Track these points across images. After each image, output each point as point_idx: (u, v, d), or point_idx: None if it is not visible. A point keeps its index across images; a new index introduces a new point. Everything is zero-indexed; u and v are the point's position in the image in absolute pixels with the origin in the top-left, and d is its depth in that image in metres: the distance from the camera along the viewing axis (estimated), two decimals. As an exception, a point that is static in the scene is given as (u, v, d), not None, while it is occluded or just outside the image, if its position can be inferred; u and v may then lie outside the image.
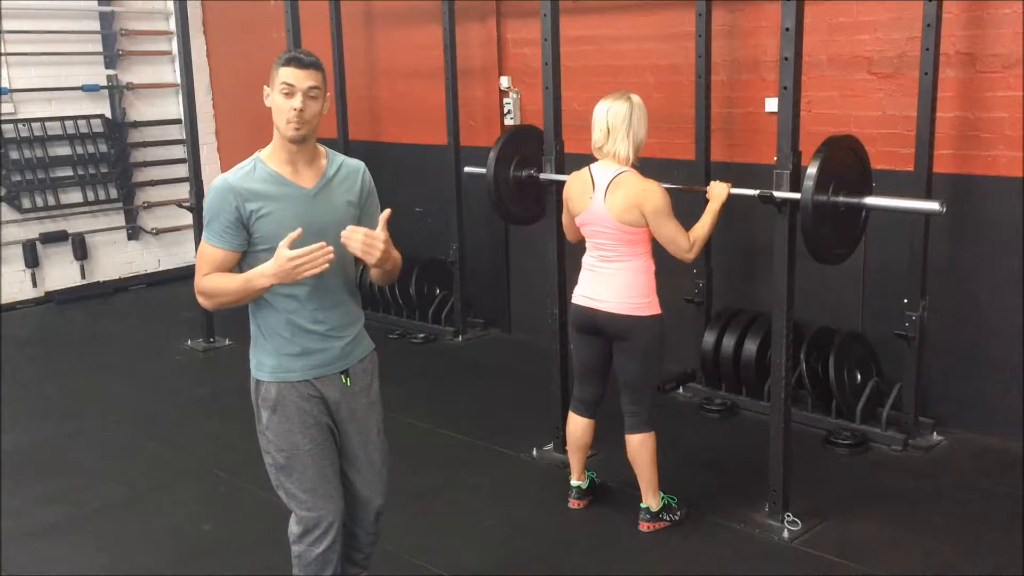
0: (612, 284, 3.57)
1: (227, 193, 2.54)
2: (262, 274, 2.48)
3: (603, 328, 3.62)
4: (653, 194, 3.46)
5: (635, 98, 3.53)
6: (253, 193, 2.54)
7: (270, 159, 2.61)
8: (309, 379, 2.66)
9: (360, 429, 2.79)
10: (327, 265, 2.43)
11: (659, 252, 3.59)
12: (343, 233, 2.49)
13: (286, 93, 2.51)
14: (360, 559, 3.00)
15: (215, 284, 2.58)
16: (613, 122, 3.50)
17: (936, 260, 4.39)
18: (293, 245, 2.44)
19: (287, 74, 2.51)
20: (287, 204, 2.56)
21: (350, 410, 2.75)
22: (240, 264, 2.62)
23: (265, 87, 2.58)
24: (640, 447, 3.66)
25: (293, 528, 2.80)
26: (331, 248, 2.43)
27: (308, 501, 2.72)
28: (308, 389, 2.67)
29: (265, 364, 2.67)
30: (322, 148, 2.69)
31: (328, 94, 2.63)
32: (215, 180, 2.60)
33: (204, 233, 2.60)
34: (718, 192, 3.65)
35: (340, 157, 2.73)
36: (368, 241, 2.48)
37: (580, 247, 3.75)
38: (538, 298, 4.64)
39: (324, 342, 2.67)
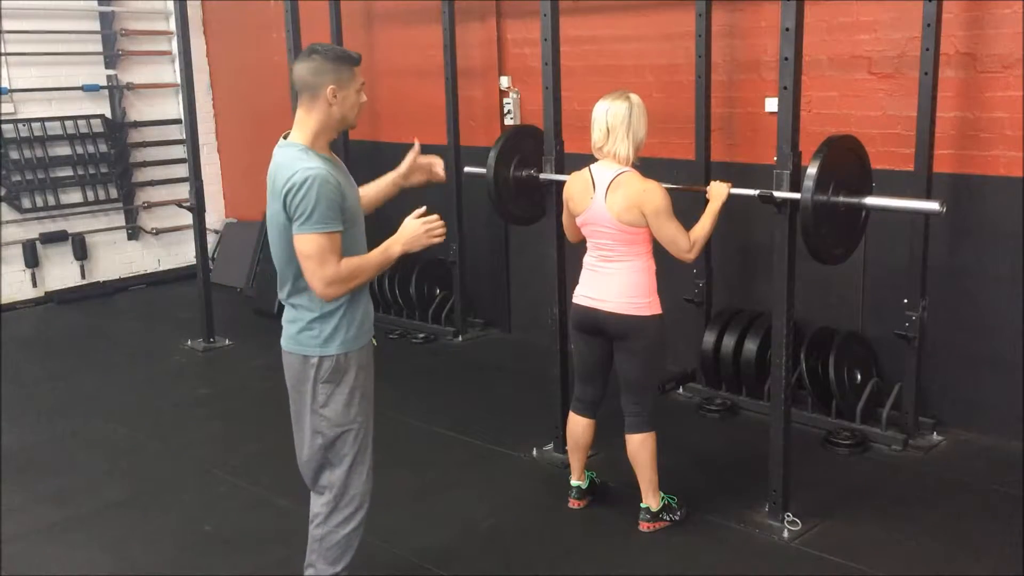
0: (613, 284, 3.57)
1: (332, 180, 2.67)
2: (396, 242, 2.78)
3: (604, 328, 3.62)
4: (653, 194, 3.46)
5: (634, 97, 3.53)
6: (338, 178, 2.72)
7: (316, 147, 2.76)
8: (363, 346, 2.85)
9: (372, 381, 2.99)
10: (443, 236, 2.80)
11: (659, 252, 3.59)
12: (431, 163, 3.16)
13: (361, 90, 2.79)
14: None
15: (353, 266, 2.71)
16: (612, 122, 3.50)
17: (936, 260, 4.39)
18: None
19: (360, 73, 2.78)
20: (348, 185, 2.79)
21: (373, 366, 2.96)
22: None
23: (331, 86, 2.71)
24: (640, 447, 3.66)
25: (320, 508, 2.87)
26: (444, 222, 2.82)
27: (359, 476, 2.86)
28: (362, 358, 2.85)
29: (333, 340, 2.78)
30: None
31: None
32: (308, 171, 2.63)
33: (318, 225, 2.63)
34: (718, 192, 3.65)
35: None
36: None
37: (580, 247, 3.76)
38: (538, 298, 4.64)
39: (368, 307, 2.89)
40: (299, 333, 2.79)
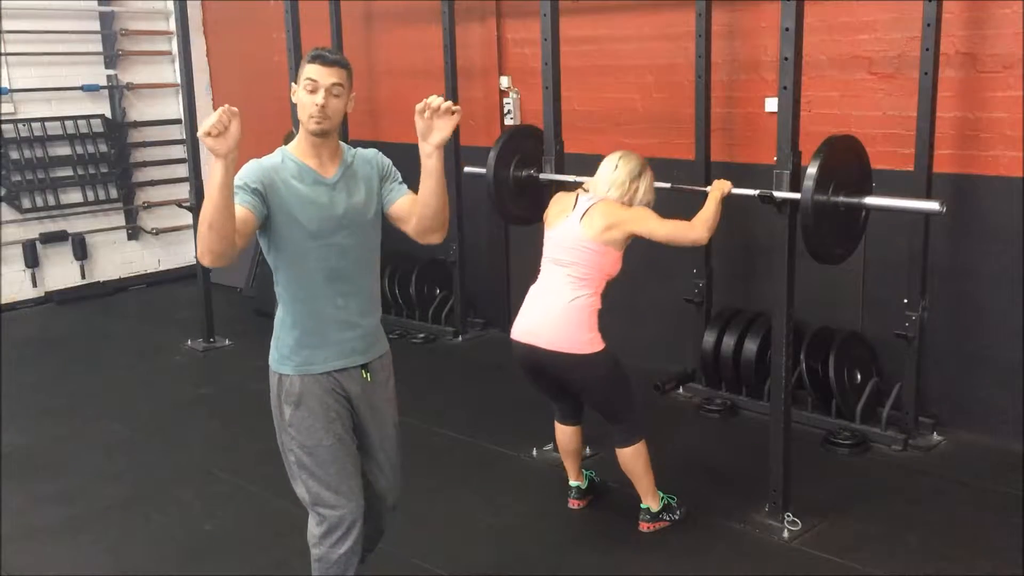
0: (551, 315, 3.48)
1: (259, 167, 2.59)
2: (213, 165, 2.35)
3: (546, 368, 3.55)
4: (637, 210, 3.51)
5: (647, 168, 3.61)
6: (280, 174, 2.60)
7: (296, 151, 2.67)
8: (331, 372, 2.69)
9: (379, 424, 2.82)
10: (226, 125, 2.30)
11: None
12: (419, 106, 2.52)
13: (310, 89, 2.58)
14: (364, 555, 3.00)
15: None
16: (629, 183, 3.56)
17: (936, 260, 4.39)
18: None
19: (311, 71, 2.58)
20: (309, 188, 2.62)
21: (370, 405, 2.78)
22: (268, 246, 2.64)
23: (292, 84, 2.66)
24: (632, 458, 3.63)
25: (313, 530, 2.78)
26: (235, 110, 2.33)
27: (331, 499, 2.71)
28: (331, 383, 2.69)
29: (288, 358, 2.69)
30: (342, 144, 2.76)
31: (353, 94, 2.67)
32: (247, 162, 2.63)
33: None
34: (719, 185, 3.65)
35: (354, 149, 2.78)
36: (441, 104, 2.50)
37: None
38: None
39: (344, 330, 2.70)
40: (271, 345, 2.75)
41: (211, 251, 2.42)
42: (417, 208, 2.69)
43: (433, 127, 2.54)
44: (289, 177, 2.61)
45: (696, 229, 3.49)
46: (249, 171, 2.58)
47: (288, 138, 2.76)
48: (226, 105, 2.33)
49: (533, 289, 3.63)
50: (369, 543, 2.97)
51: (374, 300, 2.82)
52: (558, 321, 3.47)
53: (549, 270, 3.59)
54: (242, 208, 2.49)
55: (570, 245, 3.51)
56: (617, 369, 3.55)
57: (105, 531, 3.91)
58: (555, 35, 4.09)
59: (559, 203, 3.68)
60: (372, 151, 2.82)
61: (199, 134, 2.31)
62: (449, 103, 2.52)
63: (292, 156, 2.65)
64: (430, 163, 2.59)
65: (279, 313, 2.73)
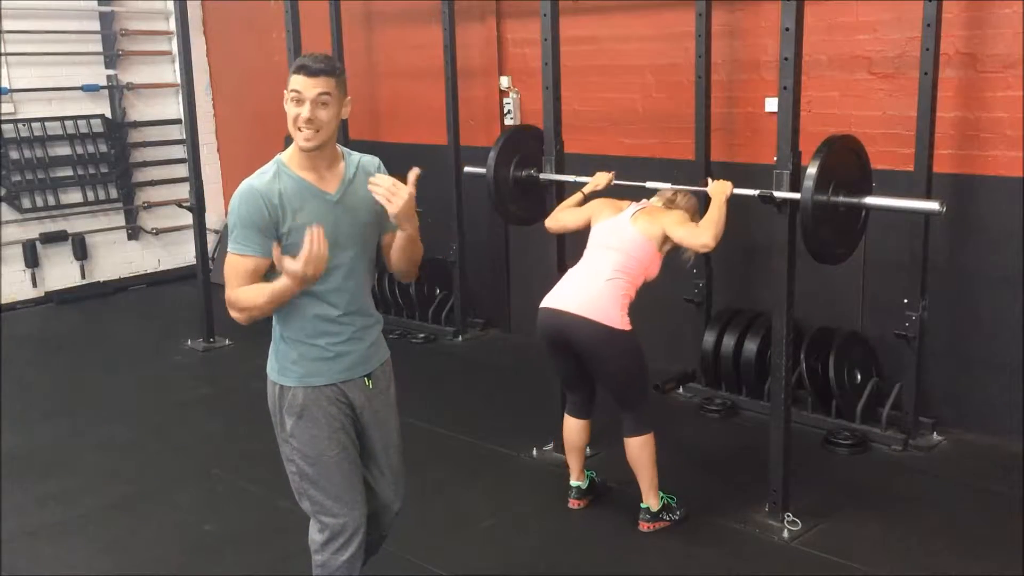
0: (586, 291, 3.56)
1: (255, 197, 2.49)
2: (285, 283, 2.43)
3: (570, 336, 3.56)
4: (678, 212, 3.70)
5: None
6: (280, 199, 2.50)
7: (292, 163, 2.57)
8: (335, 383, 2.65)
9: (382, 432, 2.79)
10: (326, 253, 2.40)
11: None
12: (370, 181, 2.50)
13: (295, 100, 2.49)
14: (366, 559, 2.99)
15: (248, 297, 2.50)
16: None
17: (936, 260, 4.39)
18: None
19: (295, 82, 2.48)
20: (312, 211, 2.52)
21: (373, 413, 2.75)
22: (270, 276, 2.55)
23: (285, 92, 2.56)
24: (640, 450, 3.65)
25: (315, 536, 2.76)
26: (322, 230, 2.39)
27: (334, 508, 2.69)
28: (334, 393, 2.65)
29: (290, 370, 2.64)
30: (340, 149, 2.67)
31: (348, 98, 2.58)
32: (240, 186, 2.53)
33: (230, 244, 2.52)
34: (719, 189, 3.66)
35: (356, 156, 2.70)
36: (393, 189, 2.46)
37: (580, 247, 3.76)
38: (538, 298, 4.62)
39: (349, 345, 2.66)
40: (270, 354, 2.71)
41: (251, 319, 2.55)
42: (391, 251, 2.71)
43: (390, 207, 2.48)
44: (289, 196, 2.52)
45: (700, 235, 3.54)
46: (252, 208, 2.49)
47: (289, 139, 2.68)
48: (317, 233, 2.36)
49: (571, 270, 3.71)
50: (372, 548, 2.95)
51: (374, 314, 2.77)
52: (593, 293, 3.55)
53: (593, 254, 3.69)
54: (260, 259, 2.49)
55: (619, 234, 3.64)
56: (638, 354, 3.61)
57: (105, 531, 3.91)
58: (555, 35, 4.09)
59: (610, 205, 3.81)
60: (375, 162, 2.72)
61: (304, 267, 2.36)
62: (388, 188, 2.47)
63: (288, 170, 2.55)
64: (399, 232, 2.60)
65: (279, 329, 2.67)
